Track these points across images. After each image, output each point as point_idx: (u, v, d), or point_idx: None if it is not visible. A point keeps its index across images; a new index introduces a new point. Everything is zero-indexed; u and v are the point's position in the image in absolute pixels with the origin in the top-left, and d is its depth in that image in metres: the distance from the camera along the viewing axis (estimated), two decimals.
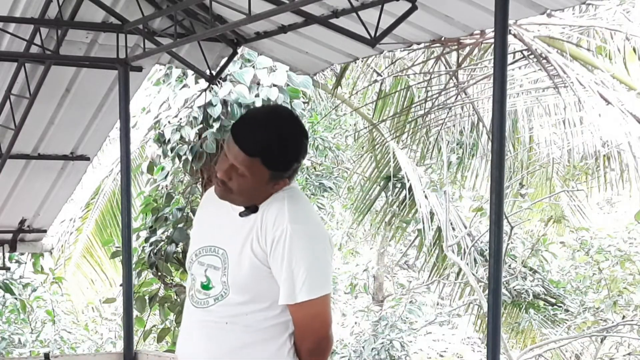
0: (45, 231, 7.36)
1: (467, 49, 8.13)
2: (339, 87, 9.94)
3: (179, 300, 8.44)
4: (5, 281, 9.81)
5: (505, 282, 10.25)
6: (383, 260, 14.90)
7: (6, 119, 5.87)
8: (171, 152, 8.13)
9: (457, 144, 9.92)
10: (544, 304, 10.90)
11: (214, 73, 6.04)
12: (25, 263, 10.16)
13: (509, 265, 10.68)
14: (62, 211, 7.50)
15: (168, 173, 8.56)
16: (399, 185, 10.11)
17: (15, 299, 10.37)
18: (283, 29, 5.30)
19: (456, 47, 8.02)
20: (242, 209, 2.63)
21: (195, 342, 2.67)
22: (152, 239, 8.37)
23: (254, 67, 7.86)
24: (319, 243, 2.59)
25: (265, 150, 2.51)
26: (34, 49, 5.44)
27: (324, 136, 13.19)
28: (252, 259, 2.56)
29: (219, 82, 7.53)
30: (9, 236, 7.21)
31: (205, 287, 2.65)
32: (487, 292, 4.40)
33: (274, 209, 2.56)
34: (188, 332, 2.72)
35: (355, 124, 13.44)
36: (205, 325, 2.64)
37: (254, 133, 2.53)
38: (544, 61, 7.80)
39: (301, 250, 2.52)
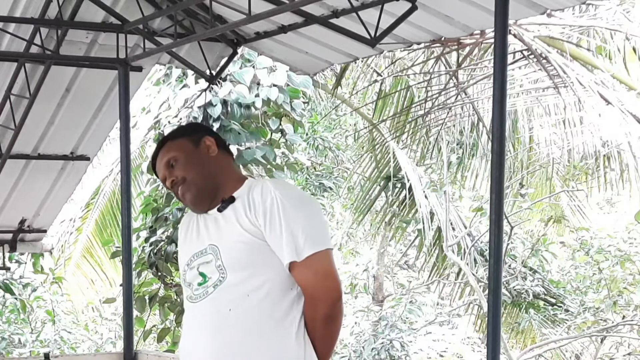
0: (45, 231, 7.35)
1: (467, 49, 8.13)
2: (339, 87, 9.94)
3: (179, 300, 8.45)
4: (5, 281, 9.80)
5: (505, 282, 10.25)
6: (383, 260, 14.89)
7: (6, 119, 5.86)
8: None
9: (457, 144, 9.91)
10: (544, 304, 10.91)
11: (214, 73, 6.03)
12: (25, 263, 10.16)
13: (509, 265, 10.69)
14: (62, 211, 7.49)
15: None
16: (399, 185, 10.11)
17: (15, 299, 10.37)
18: (283, 29, 5.30)
19: (456, 47, 8.02)
20: (216, 212, 2.70)
21: (200, 338, 2.65)
22: (152, 239, 8.37)
23: (254, 67, 7.87)
24: (309, 202, 2.72)
25: (170, 134, 2.90)
26: (34, 49, 5.43)
27: (324, 136, 13.19)
28: (243, 234, 2.61)
29: (219, 82, 7.53)
30: (9, 236, 7.20)
31: (202, 282, 2.67)
32: (487, 292, 4.40)
33: (256, 188, 2.66)
34: (190, 329, 2.71)
35: (355, 124, 13.44)
36: (209, 318, 2.63)
37: (161, 143, 2.88)
38: (544, 61, 7.80)
39: (295, 211, 2.59)
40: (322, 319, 2.59)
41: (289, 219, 2.57)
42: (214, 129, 7.81)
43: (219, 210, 2.69)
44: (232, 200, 2.68)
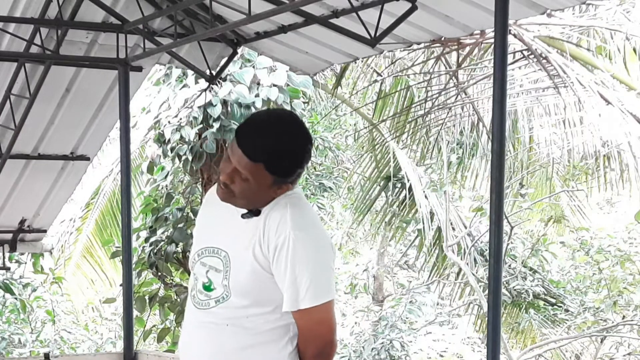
0: (45, 231, 7.36)
1: (467, 49, 8.12)
2: (339, 87, 9.94)
3: (179, 300, 8.44)
4: (5, 281, 9.80)
5: (505, 282, 10.25)
6: (383, 260, 14.90)
7: (6, 119, 5.87)
8: (171, 152, 8.13)
9: (457, 144, 9.91)
10: (544, 304, 10.90)
11: (214, 73, 6.04)
12: (25, 263, 10.16)
13: (509, 265, 10.68)
14: (62, 211, 7.50)
15: (168, 173, 8.56)
16: (399, 185, 10.11)
17: (15, 299, 10.37)
18: (283, 29, 5.30)
19: (456, 47, 8.02)
20: (243, 210, 2.63)
21: (196, 343, 2.67)
22: (152, 239, 8.37)
23: (254, 67, 7.86)
24: (321, 250, 2.59)
25: (269, 156, 2.49)
26: (34, 49, 5.44)
27: (324, 136, 13.18)
28: (253, 264, 2.56)
29: (219, 82, 7.52)
30: (9, 236, 7.21)
31: (207, 288, 2.66)
32: (487, 292, 4.40)
33: (276, 215, 2.55)
34: (189, 332, 2.72)
35: (355, 124, 13.43)
36: (206, 327, 2.64)
37: (258, 139, 2.50)
38: (544, 61, 7.80)
39: (304, 257, 2.51)
40: (311, 356, 2.61)
41: (296, 265, 2.50)
42: (214, 129, 7.81)
43: (242, 217, 2.62)
44: (257, 213, 2.59)
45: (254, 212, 2.60)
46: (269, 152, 2.49)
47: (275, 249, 2.52)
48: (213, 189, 2.72)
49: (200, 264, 2.70)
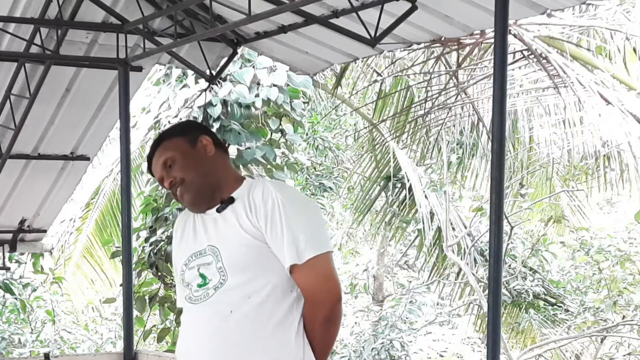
0: (45, 231, 7.35)
1: (467, 49, 8.12)
2: (339, 87, 9.94)
3: None
4: (5, 281, 9.80)
5: (505, 282, 10.25)
6: (383, 260, 14.90)
7: (6, 119, 5.87)
8: None
9: (457, 144, 9.91)
10: (544, 304, 10.91)
11: (214, 73, 6.04)
12: (25, 263, 10.16)
13: (509, 265, 10.68)
14: (62, 211, 7.49)
15: None
16: (399, 185, 10.11)
17: (15, 299, 10.37)
18: (283, 29, 5.30)
19: (456, 47, 8.02)
20: (215, 210, 2.68)
21: (198, 339, 2.65)
22: (152, 239, 8.37)
23: (254, 67, 7.86)
24: (310, 205, 2.72)
25: (165, 133, 2.85)
26: (34, 49, 5.43)
27: (324, 136, 13.19)
28: (243, 236, 2.60)
29: (219, 82, 7.52)
30: (9, 236, 7.21)
31: (203, 284, 2.66)
32: (487, 292, 4.40)
33: (257, 189, 2.64)
34: (189, 331, 2.71)
35: (355, 124, 13.43)
36: (208, 320, 2.63)
37: (156, 143, 2.84)
38: (544, 61, 7.80)
39: (296, 213, 2.58)
40: (321, 322, 2.60)
41: (290, 221, 2.56)
42: (214, 129, 7.81)
43: (218, 211, 2.68)
44: (231, 200, 2.66)
45: (228, 200, 2.67)
46: (162, 135, 2.84)
47: (266, 216, 2.58)
48: (179, 218, 2.88)
49: (188, 270, 2.72)
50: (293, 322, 2.59)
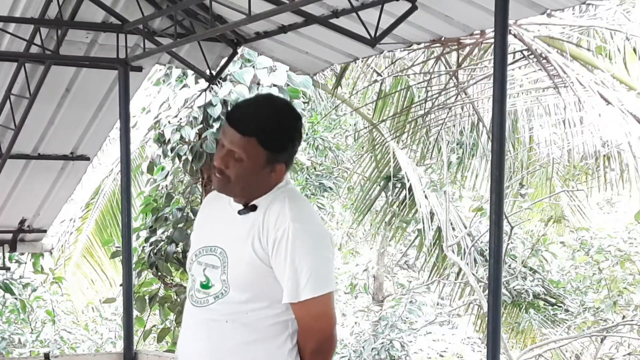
0: (45, 231, 7.36)
1: (467, 49, 8.12)
2: (339, 87, 9.94)
3: (179, 300, 8.44)
4: (5, 281, 9.80)
5: (505, 282, 10.25)
6: (383, 260, 14.90)
7: (6, 119, 5.87)
8: (171, 152, 8.13)
9: (457, 144, 9.92)
10: (544, 304, 10.90)
11: (214, 73, 6.04)
12: (25, 263, 10.16)
13: (509, 265, 10.68)
14: (62, 211, 7.50)
15: (168, 173, 8.56)
16: (399, 185, 10.11)
17: (15, 299, 10.36)
18: (283, 29, 5.30)
19: (456, 47, 8.02)
20: (240, 206, 2.63)
21: (195, 341, 2.67)
22: (152, 239, 8.37)
23: (254, 67, 7.86)
24: (321, 242, 2.60)
25: (260, 128, 2.53)
26: (34, 49, 5.44)
27: (324, 136, 13.18)
28: (252, 257, 2.56)
29: (219, 82, 7.52)
30: (9, 236, 7.21)
31: (205, 286, 2.66)
32: (487, 292, 4.40)
33: (275, 208, 2.56)
34: (188, 331, 2.72)
35: (355, 124, 13.43)
36: (205, 324, 2.63)
37: (248, 114, 2.57)
38: (544, 61, 7.80)
39: (304, 249, 2.52)
40: (310, 351, 2.61)
41: (295, 257, 2.51)
42: (214, 129, 7.81)
43: (239, 213, 2.63)
44: (253, 208, 2.60)
45: (250, 208, 2.61)
46: (260, 125, 2.54)
47: (274, 242, 2.53)
48: (211, 194, 2.77)
49: (197, 263, 2.70)
50: (287, 340, 2.60)
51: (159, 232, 8.38)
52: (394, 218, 10.43)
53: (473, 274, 9.43)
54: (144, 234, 8.58)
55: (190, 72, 7.53)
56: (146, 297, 8.53)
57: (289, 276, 2.52)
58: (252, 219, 2.59)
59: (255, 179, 2.58)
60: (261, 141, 2.52)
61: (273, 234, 2.53)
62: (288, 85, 7.98)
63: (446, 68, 8.70)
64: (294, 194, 2.65)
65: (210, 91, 7.71)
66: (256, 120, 2.54)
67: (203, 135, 7.91)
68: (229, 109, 7.69)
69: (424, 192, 9.87)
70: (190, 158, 7.99)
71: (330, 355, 2.65)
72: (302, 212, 2.60)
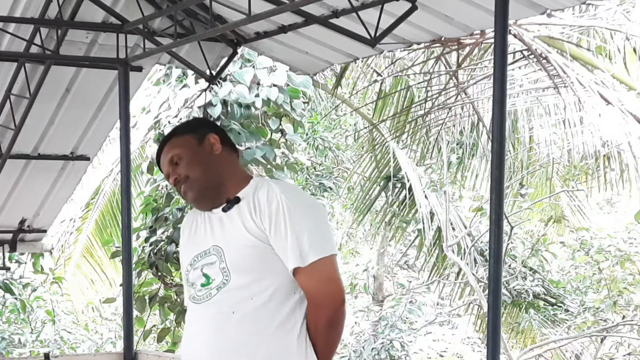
0: (45, 231, 7.35)
1: (467, 49, 8.12)
2: (339, 87, 9.94)
3: (179, 300, 8.44)
4: (5, 281, 9.80)
5: (505, 282, 10.25)
6: (383, 260, 14.89)
7: (6, 119, 5.86)
8: None
9: (457, 144, 9.91)
10: (544, 304, 10.91)
11: (214, 73, 6.04)
12: (25, 263, 10.16)
13: (509, 265, 10.68)
14: (62, 211, 7.49)
15: None
16: (399, 185, 10.11)
17: (15, 299, 10.37)
18: (283, 29, 5.30)
19: (456, 47, 8.02)
20: (221, 209, 2.68)
21: (202, 339, 2.65)
22: (152, 239, 8.37)
23: (254, 67, 7.86)
24: (315, 208, 2.68)
25: (175, 129, 2.88)
26: (34, 49, 5.43)
27: (324, 136, 13.18)
28: (248, 238, 2.59)
29: (219, 82, 7.52)
30: (9, 236, 7.21)
31: (206, 284, 2.66)
32: (487, 292, 4.40)
33: (262, 190, 2.63)
34: (193, 330, 2.71)
35: (355, 124, 13.43)
36: (211, 320, 2.63)
37: (166, 138, 2.86)
38: (544, 61, 7.80)
39: (301, 215, 2.57)
40: (324, 324, 2.59)
41: (294, 223, 2.55)
42: None
43: (224, 210, 2.68)
44: (237, 200, 2.66)
45: (234, 200, 2.66)
46: (174, 129, 2.88)
47: (270, 216, 2.57)
48: (186, 217, 2.88)
49: (193, 270, 2.72)
50: (295, 324, 2.59)
51: (159, 232, 8.38)
52: (394, 218, 10.43)
53: (473, 274, 9.44)
54: (144, 234, 8.58)
55: (190, 72, 7.53)
56: (146, 297, 8.53)
57: (291, 243, 2.55)
58: (239, 207, 2.65)
59: (207, 162, 2.72)
60: (179, 134, 2.82)
61: (267, 210, 2.58)
62: (288, 85, 7.98)
63: (446, 68, 8.70)
64: (277, 180, 2.77)
65: (210, 91, 7.71)
66: (169, 134, 2.86)
67: None
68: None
69: (424, 192, 9.88)
70: None
71: (342, 326, 2.65)
72: (290, 187, 2.78)
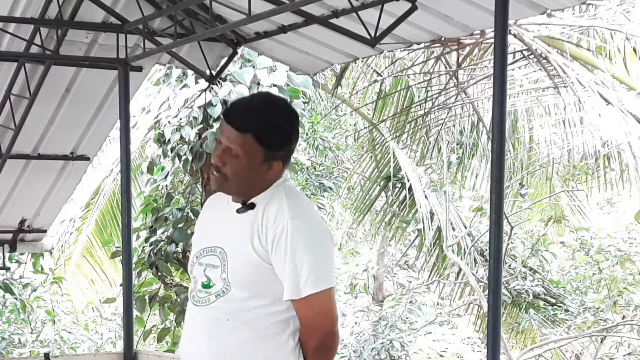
0: (45, 231, 7.35)
1: (467, 49, 8.13)
2: (339, 87, 9.94)
3: (179, 300, 8.44)
4: (5, 281, 9.80)
5: (505, 282, 10.25)
6: (383, 260, 14.89)
7: (6, 119, 5.87)
8: (171, 152, 8.13)
9: (457, 144, 9.91)
10: (544, 304, 10.90)
11: (214, 73, 6.04)
12: (25, 263, 10.16)
13: (509, 265, 10.68)
14: (62, 211, 7.49)
15: (168, 173, 8.56)
16: (399, 185, 10.11)
17: (15, 299, 10.37)
18: (283, 29, 5.30)
19: (456, 47, 8.02)
20: (238, 205, 2.64)
21: (197, 341, 2.67)
22: (152, 239, 8.37)
23: (254, 67, 7.86)
24: (320, 238, 2.61)
25: (257, 125, 2.57)
26: (34, 49, 5.44)
27: (324, 136, 13.17)
28: (252, 255, 2.57)
29: (219, 82, 7.52)
30: (9, 236, 7.21)
31: (206, 286, 2.66)
32: (487, 292, 4.40)
33: (273, 205, 2.57)
34: (190, 331, 2.72)
35: (355, 124, 13.43)
36: (207, 323, 2.64)
37: (246, 111, 2.61)
38: (544, 61, 7.80)
39: (303, 245, 2.53)
40: (313, 349, 2.61)
41: (295, 253, 2.51)
42: (214, 129, 7.81)
43: (237, 212, 2.64)
44: (252, 206, 2.61)
45: (248, 206, 2.61)
46: (256, 121, 2.57)
47: (274, 239, 2.53)
48: (212, 196, 2.78)
49: (198, 265, 2.71)
50: (289, 339, 2.60)
51: (159, 232, 8.38)
52: (394, 218, 10.43)
53: (473, 274, 9.44)
54: (144, 234, 8.58)
55: (190, 72, 7.53)
56: (146, 297, 8.53)
57: (289, 273, 2.52)
58: (251, 217, 2.60)
59: (252, 176, 2.60)
60: (257, 137, 2.55)
61: (272, 231, 2.54)
62: (288, 85, 7.98)
63: (446, 68, 8.70)
64: (292, 190, 2.66)
65: (210, 91, 7.71)
66: (252, 117, 2.58)
67: (203, 136, 7.91)
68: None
69: (424, 192, 9.87)
70: (190, 158, 7.99)
71: (333, 352, 2.64)
72: (301, 208, 2.61)
